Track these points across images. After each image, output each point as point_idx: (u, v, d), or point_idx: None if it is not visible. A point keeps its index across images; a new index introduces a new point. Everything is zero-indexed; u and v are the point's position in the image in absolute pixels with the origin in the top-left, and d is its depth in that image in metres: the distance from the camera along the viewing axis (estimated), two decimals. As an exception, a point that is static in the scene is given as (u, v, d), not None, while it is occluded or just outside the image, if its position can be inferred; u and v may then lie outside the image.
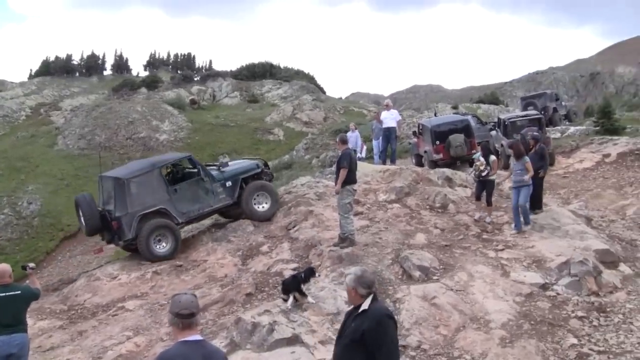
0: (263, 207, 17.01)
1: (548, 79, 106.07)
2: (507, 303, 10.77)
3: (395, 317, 5.50)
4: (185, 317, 4.51)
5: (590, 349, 9.21)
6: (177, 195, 16.11)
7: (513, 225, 14.33)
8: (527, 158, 14.36)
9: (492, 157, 15.41)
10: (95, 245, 31.56)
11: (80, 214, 16.14)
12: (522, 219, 14.17)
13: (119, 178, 15.76)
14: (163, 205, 15.78)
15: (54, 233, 34.61)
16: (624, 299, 11.12)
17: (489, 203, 15.25)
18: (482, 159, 15.18)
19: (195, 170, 17.07)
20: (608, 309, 10.68)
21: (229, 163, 18.16)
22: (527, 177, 14.06)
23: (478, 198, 15.44)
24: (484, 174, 15.03)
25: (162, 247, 15.61)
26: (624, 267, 12.46)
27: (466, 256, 12.80)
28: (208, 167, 17.38)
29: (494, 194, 15.69)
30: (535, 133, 16.84)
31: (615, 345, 9.39)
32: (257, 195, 16.99)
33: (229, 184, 16.82)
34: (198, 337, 4.62)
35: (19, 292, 8.65)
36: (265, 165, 18.71)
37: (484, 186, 15.19)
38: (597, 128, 31.12)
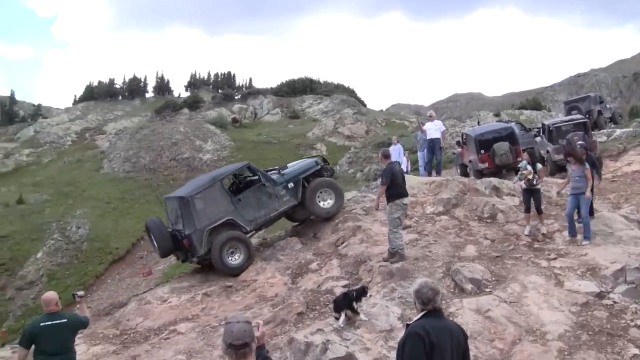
0: (328, 203, 17.31)
1: (590, 81, 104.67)
2: (563, 313, 10.59)
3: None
4: (238, 348, 4.42)
5: (653, 359, 9.01)
6: (241, 204, 16.39)
7: (567, 232, 14.00)
8: (587, 165, 13.94)
9: (539, 165, 15.13)
10: (144, 267, 32.19)
11: (152, 237, 16.57)
12: (582, 231, 13.73)
13: (183, 197, 16.06)
14: (229, 216, 16.08)
15: (102, 257, 35.10)
16: (683, 306, 10.87)
17: (539, 211, 14.81)
18: (529, 167, 14.79)
19: (256, 177, 17.28)
20: (668, 316, 10.44)
21: (289, 165, 18.45)
22: (587, 191, 13.58)
23: (528, 210, 14.88)
24: (533, 182, 14.65)
25: (235, 259, 15.88)
26: (681, 272, 12.17)
27: (518, 267, 12.64)
28: (268, 172, 17.63)
29: (543, 201, 15.44)
30: (582, 142, 16.54)
31: (678, 354, 9.18)
32: (321, 192, 17.27)
33: (291, 185, 17.08)
34: None
35: (65, 320, 8.68)
36: (325, 161, 18.94)
37: (531, 196, 14.76)
38: (645, 129, 30.59)
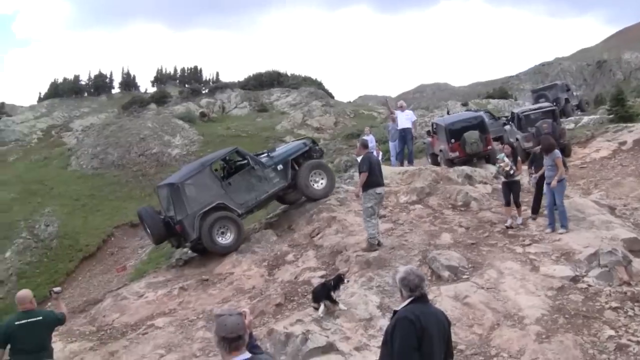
0: (321, 184, 17.54)
1: (555, 69, 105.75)
2: (540, 298, 10.72)
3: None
4: (232, 341, 4.46)
5: (629, 340, 9.15)
6: (231, 188, 16.60)
7: (547, 224, 13.93)
8: (557, 152, 13.92)
9: (519, 158, 15.28)
10: (115, 264, 31.95)
11: (145, 225, 16.74)
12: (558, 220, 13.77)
13: (173, 184, 16.27)
14: (220, 200, 16.26)
15: (72, 254, 34.70)
16: (656, 287, 11.07)
17: (517, 204, 14.81)
18: (506, 159, 14.79)
19: (245, 161, 17.48)
20: (641, 298, 10.62)
21: (277, 147, 18.87)
22: (554, 181, 13.53)
23: (508, 203, 14.83)
24: (511, 173, 14.65)
25: (227, 239, 16.10)
26: (653, 255, 12.40)
27: (494, 253, 12.77)
28: (257, 156, 17.81)
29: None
30: (544, 135, 16.66)
31: (654, 334, 9.35)
32: (313, 174, 17.47)
33: (280, 167, 17.30)
34: (246, 355, 4.58)
35: (41, 317, 8.53)
36: (314, 142, 19.14)
37: (511, 188, 14.75)
38: (611, 116, 31.02)
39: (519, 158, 15.31)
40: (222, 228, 16.03)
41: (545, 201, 14.28)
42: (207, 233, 15.72)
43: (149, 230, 16.62)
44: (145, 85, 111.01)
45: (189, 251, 17.62)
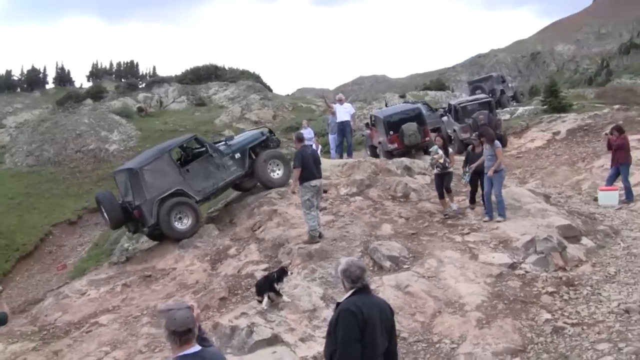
0: (277, 174, 17.79)
1: (490, 61, 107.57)
2: (479, 285, 10.95)
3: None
4: (182, 334, 4.51)
5: (565, 322, 9.41)
6: (189, 174, 16.69)
7: (485, 212, 14.24)
8: (498, 143, 14.20)
9: (450, 150, 15.38)
10: (54, 263, 31.42)
11: (103, 210, 16.67)
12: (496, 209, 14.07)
13: (132, 169, 16.28)
14: (178, 186, 16.33)
15: (9, 254, 33.86)
16: (589, 271, 11.42)
17: (448, 190, 14.99)
18: (440, 151, 14.91)
19: (203, 148, 17.60)
20: (576, 282, 10.93)
21: (235, 136, 19.02)
22: (490, 170, 13.81)
23: (442, 196, 14.99)
24: (445, 165, 14.77)
25: (184, 224, 16.15)
26: (586, 241, 12.82)
27: (434, 243, 12.98)
28: (215, 144, 17.97)
29: (453, 180, 15.70)
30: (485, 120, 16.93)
31: (587, 316, 9.61)
32: (271, 164, 17.72)
33: (237, 155, 17.51)
34: (196, 348, 4.62)
35: None
36: (271, 132, 19.33)
37: (443, 180, 14.92)
38: (545, 107, 31.82)
39: (450, 150, 15.37)
40: (179, 214, 16.09)
41: (483, 191, 14.49)
42: (165, 218, 15.78)
43: (106, 215, 16.52)
44: (81, 80, 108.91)
45: (131, 247, 17.48)
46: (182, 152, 18.25)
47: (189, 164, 17.08)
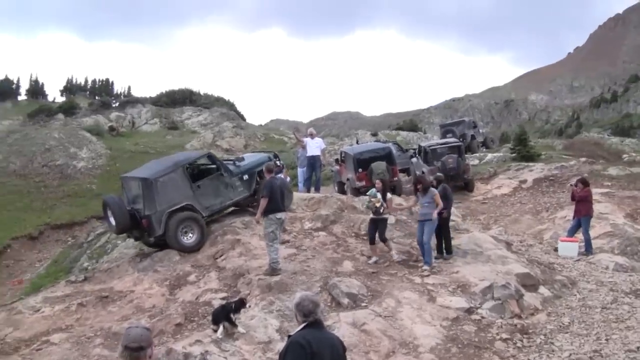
0: None
1: (464, 106, 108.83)
2: (435, 328, 11.00)
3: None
4: (133, 350, 4.51)
5: (516, 370, 9.51)
6: (200, 191, 16.85)
7: (423, 262, 14.01)
8: (435, 191, 14.19)
9: (389, 195, 15.21)
10: (11, 277, 30.90)
11: (109, 214, 16.54)
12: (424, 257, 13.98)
13: (147, 178, 16.23)
14: (188, 201, 16.47)
15: (-36, 265, 33.38)
16: (544, 320, 11.60)
17: (383, 240, 14.68)
18: (378, 195, 14.61)
19: (213, 166, 17.76)
20: (530, 331, 11.07)
21: (245, 157, 19.19)
22: (434, 213, 13.78)
23: (373, 241, 14.61)
24: (380, 211, 14.48)
25: (190, 238, 16.33)
26: (543, 290, 13.01)
27: (393, 282, 13.01)
28: (225, 163, 18.08)
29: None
30: (438, 174, 16.54)
31: (539, 365, 9.72)
32: None
33: (246, 177, 17.76)
34: None
35: None
36: (276, 157, 19.59)
37: (377, 226, 14.58)
38: (514, 155, 32.20)
39: (389, 195, 15.24)
40: (186, 228, 16.22)
41: (417, 238, 14.44)
42: (172, 231, 15.93)
43: (113, 219, 16.40)
44: (54, 94, 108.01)
45: (90, 266, 17.32)
46: (193, 167, 18.24)
47: (200, 179, 17.20)
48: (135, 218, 16.24)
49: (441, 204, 14.04)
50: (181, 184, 16.56)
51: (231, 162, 18.42)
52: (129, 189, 17.14)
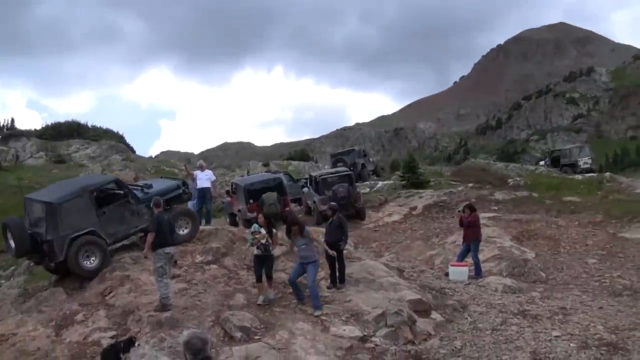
0: (184, 231, 17.43)
1: (355, 134, 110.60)
2: (329, 358, 10.95)
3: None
4: None
5: (410, 398, 9.52)
6: (105, 217, 16.34)
7: (313, 307, 13.14)
8: (308, 230, 13.58)
9: (274, 230, 14.56)
10: None
11: (9, 236, 15.80)
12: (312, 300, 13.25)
13: (51, 203, 15.63)
14: (93, 227, 15.89)
15: None
16: (437, 345, 11.76)
17: (270, 277, 13.94)
18: (262, 230, 13.83)
19: (120, 192, 17.13)
20: (424, 356, 11.17)
21: (152, 184, 18.52)
22: (318, 251, 13.63)
23: (260, 279, 13.75)
24: (269, 248, 13.77)
25: (92, 262, 15.85)
26: (435, 315, 13.20)
27: (286, 314, 12.90)
28: (132, 189, 17.62)
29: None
30: (332, 203, 15.88)
31: (433, 391, 9.78)
32: (180, 220, 17.38)
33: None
34: None
35: None
36: (184, 184, 19.04)
37: (264, 263, 13.75)
38: (404, 182, 32.75)
39: (274, 231, 14.57)
40: (87, 252, 15.72)
41: (290, 277, 13.95)
42: (73, 257, 15.40)
43: (13, 242, 15.71)
44: None
45: None
46: (100, 192, 17.52)
47: (105, 205, 16.66)
48: (36, 241, 15.65)
49: (320, 242, 14.00)
50: (86, 210, 16.06)
51: (139, 188, 17.97)
52: (32, 212, 16.50)
